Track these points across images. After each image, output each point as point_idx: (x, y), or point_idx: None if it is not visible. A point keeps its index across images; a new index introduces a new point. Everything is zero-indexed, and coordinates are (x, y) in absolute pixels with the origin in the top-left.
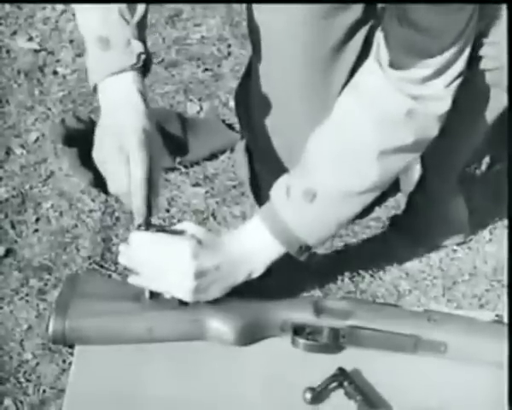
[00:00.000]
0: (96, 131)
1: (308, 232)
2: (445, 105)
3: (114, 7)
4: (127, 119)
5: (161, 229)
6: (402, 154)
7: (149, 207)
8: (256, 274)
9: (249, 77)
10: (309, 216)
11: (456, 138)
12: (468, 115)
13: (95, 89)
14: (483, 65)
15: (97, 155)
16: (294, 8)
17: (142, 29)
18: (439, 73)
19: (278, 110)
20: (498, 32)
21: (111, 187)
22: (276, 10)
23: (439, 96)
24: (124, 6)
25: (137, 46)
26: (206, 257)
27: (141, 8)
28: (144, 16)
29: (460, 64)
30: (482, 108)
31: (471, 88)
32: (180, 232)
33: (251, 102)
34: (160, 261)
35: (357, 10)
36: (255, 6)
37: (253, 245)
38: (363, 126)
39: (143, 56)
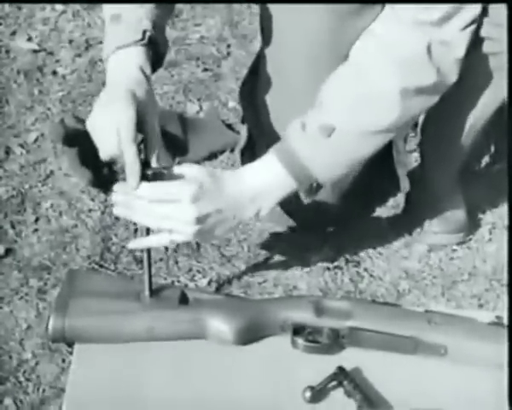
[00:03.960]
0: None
1: (321, 168)
2: (461, 49)
3: None
4: (119, 86)
5: (160, 172)
6: (422, 96)
7: (147, 163)
8: (264, 212)
9: (257, 68)
10: (324, 151)
11: (456, 126)
12: (469, 100)
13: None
14: (486, 48)
15: (90, 121)
16: (311, 8)
17: (161, 11)
18: (451, 15)
19: (286, 101)
20: (501, 13)
21: (102, 153)
22: (292, 8)
23: (455, 39)
24: None
25: (146, 24)
26: (208, 201)
27: None
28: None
29: (473, 10)
30: (483, 94)
31: (474, 72)
32: (180, 176)
33: (258, 95)
34: (160, 210)
35: (373, 14)
36: None
37: (264, 180)
38: (383, 68)
39: (149, 34)
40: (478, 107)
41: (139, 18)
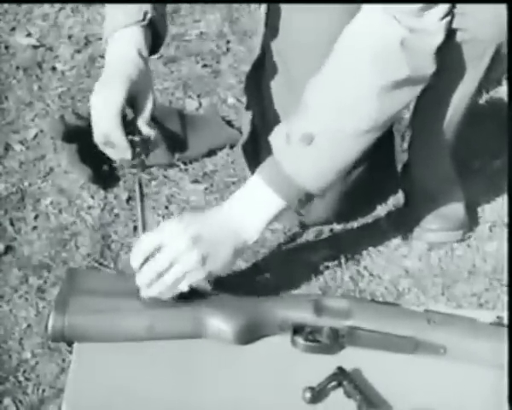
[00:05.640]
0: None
1: (308, 179)
2: (437, 39)
3: None
4: (115, 67)
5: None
6: (399, 91)
7: (142, 146)
8: (253, 239)
9: (262, 60)
10: (307, 160)
11: (437, 118)
12: (447, 91)
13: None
14: (459, 37)
15: (90, 102)
16: (322, 7)
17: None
18: (431, 6)
19: (292, 93)
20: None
21: (95, 136)
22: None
23: (432, 29)
24: None
25: (146, 6)
26: (196, 222)
27: None
28: None
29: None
30: (461, 83)
31: (449, 63)
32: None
33: (263, 87)
34: (170, 274)
35: None
36: None
37: (251, 205)
38: (358, 61)
39: (149, 15)
40: (456, 96)
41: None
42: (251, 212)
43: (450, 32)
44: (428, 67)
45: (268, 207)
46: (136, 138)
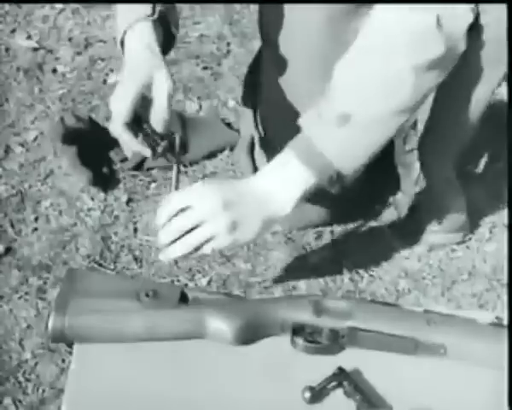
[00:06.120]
0: None
1: (340, 158)
2: (469, 17)
3: None
4: (127, 67)
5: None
6: (433, 70)
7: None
8: (283, 212)
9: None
10: (341, 140)
11: (451, 122)
12: (463, 94)
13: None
14: (482, 35)
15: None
16: (312, 8)
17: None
18: None
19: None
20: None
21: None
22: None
23: (462, 10)
24: None
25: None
26: (228, 188)
27: None
28: None
29: None
30: (476, 87)
31: (471, 59)
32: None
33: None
34: (198, 232)
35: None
36: None
37: (282, 178)
38: (393, 46)
39: (158, 9)
40: (474, 97)
41: None
42: (282, 184)
43: (477, 25)
44: (461, 45)
45: (299, 181)
46: (155, 137)
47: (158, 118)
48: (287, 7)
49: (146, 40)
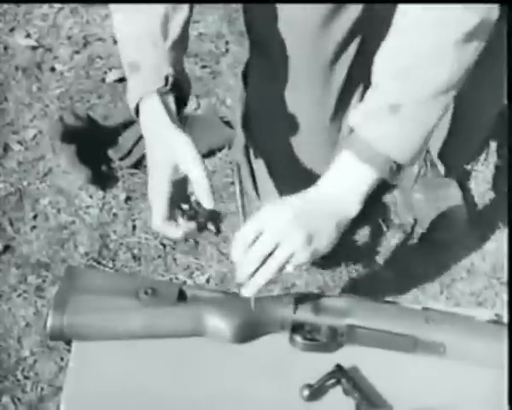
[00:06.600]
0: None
1: (397, 148)
2: None
3: (147, 34)
4: (153, 149)
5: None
6: (472, 42)
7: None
8: (355, 212)
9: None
10: (395, 130)
11: (468, 124)
12: (479, 99)
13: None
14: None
15: None
16: (298, 8)
17: (177, 52)
18: None
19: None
20: None
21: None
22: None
23: None
24: (157, 31)
25: (166, 70)
26: (295, 203)
27: (173, 31)
28: (182, 40)
29: None
30: (490, 92)
31: (496, 46)
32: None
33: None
34: (266, 239)
35: (355, 11)
36: None
37: (346, 180)
38: (430, 24)
39: (171, 79)
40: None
41: (156, 63)
42: (347, 186)
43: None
44: (494, 13)
45: (362, 179)
46: (200, 210)
47: (202, 194)
48: (279, 6)
49: (161, 115)
